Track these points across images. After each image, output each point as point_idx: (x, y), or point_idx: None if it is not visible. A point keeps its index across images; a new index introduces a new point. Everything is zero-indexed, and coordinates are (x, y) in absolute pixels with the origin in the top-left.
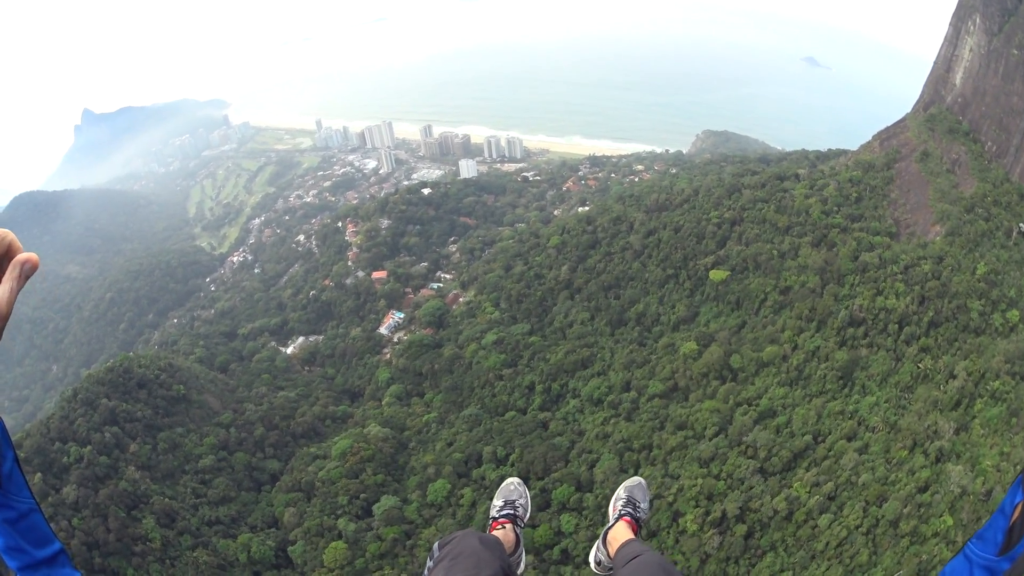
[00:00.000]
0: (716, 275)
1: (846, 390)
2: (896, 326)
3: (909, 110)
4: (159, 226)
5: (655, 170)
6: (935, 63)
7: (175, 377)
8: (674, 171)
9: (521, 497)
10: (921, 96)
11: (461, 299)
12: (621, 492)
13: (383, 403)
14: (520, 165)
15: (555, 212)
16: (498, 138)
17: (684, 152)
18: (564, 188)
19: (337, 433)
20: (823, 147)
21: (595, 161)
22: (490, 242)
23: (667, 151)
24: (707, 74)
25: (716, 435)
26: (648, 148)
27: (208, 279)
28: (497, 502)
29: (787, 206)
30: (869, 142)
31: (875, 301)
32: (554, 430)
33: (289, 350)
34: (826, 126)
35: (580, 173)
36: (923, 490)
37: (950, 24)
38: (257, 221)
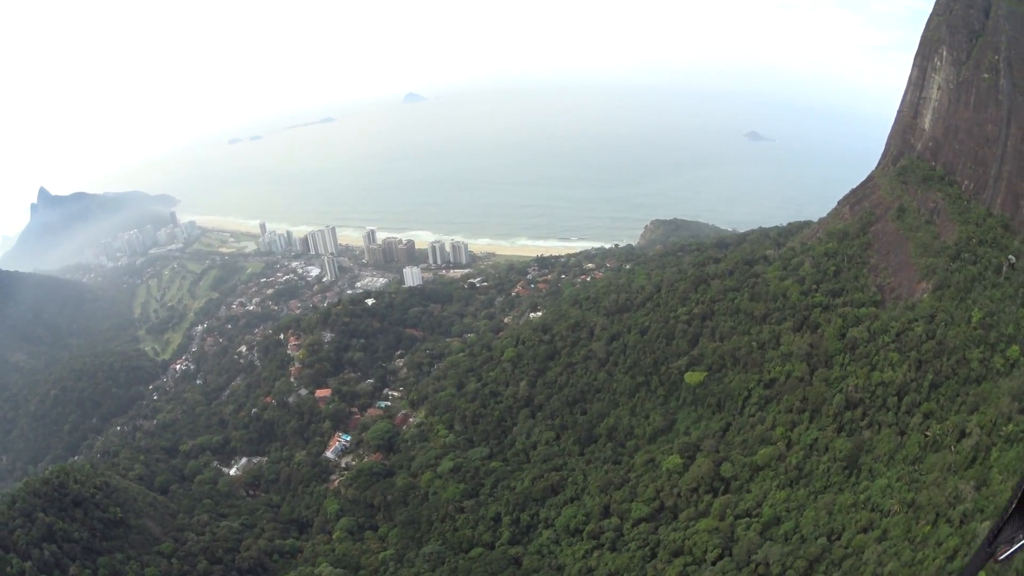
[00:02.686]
0: (692, 377)
1: (853, 478)
2: (896, 398)
3: (874, 167)
4: (105, 324)
5: (607, 267)
6: (900, 112)
7: (111, 498)
8: (628, 266)
9: None
10: (887, 150)
11: (411, 420)
12: None
13: (334, 537)
14: (466, 271)
15: (505, 320)
16: (443, 243)
17: (635, 245)
18: (513, 293)
19: (286, 570)
20: (775, 221)
21: (543, 263)
22: (439, 355)
23: (616, 245)
24: (651, 161)
25: (720, 558)
26: (596, 244)
27: (151, 386)
28: None
29: (761, 292)
30: (837, 209)
31: (870, 378)
32: (529, 567)
33: (232, 471)
34: (777, 200)
35: (529, 276)
36: (952, 558)
37: (913, 66)
38: (200, 328)
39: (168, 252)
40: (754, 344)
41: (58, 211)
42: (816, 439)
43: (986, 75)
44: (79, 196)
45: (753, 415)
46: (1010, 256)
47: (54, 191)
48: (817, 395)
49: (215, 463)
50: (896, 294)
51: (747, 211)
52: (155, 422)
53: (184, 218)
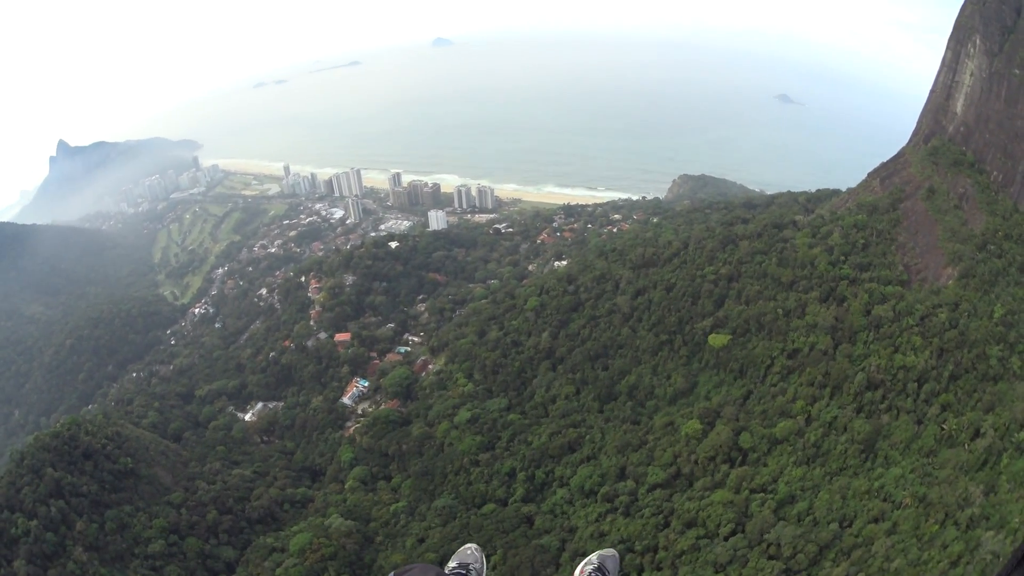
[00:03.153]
0: (716, 340)
1: (868, 463)
2: (915, 384)
3: (902, 143)
4: (124, 270)
5: (634, 219)
6: (932, 91)
7: (123, 448)
8: (655, 220)
9: (477, 563)
10: (919, 127)
11: (430, 367)
12: (594, 558)
13: (346, 487)
14: (492, 216)
15: (530, 267)
16: (469, 187)
17: (662, 199)
18: (538, 240)
19: (296, 520)
20: (803, 187)
21: (570, 211)
22: (461, 301)
23: (644, 198)
24: (681, 117)
25: (732, 533)
26: (624, 196)
27: (169, 331)
28: (452, 563)
29: (790, 258)
30: (867, 181)
31: (893, 360)
32: (540, 526)
33: (247, 416)
34: (804, 165)
35: (555, 224)
36: (955, 564)
37: (947, 48)
38: (220, 271)
39: (190, 196)
40: (779, 311)
41: (78, 161)
42: (836, 417)
43: (1017, 71)
44: (99, 145)
45: (775, 384)
46: None
47: (74, 142)
48: (839, 371)
49: (230, 408)
50: (922, 276)
51: (775, 173)
52: (172, 367)
53: (207, 162)
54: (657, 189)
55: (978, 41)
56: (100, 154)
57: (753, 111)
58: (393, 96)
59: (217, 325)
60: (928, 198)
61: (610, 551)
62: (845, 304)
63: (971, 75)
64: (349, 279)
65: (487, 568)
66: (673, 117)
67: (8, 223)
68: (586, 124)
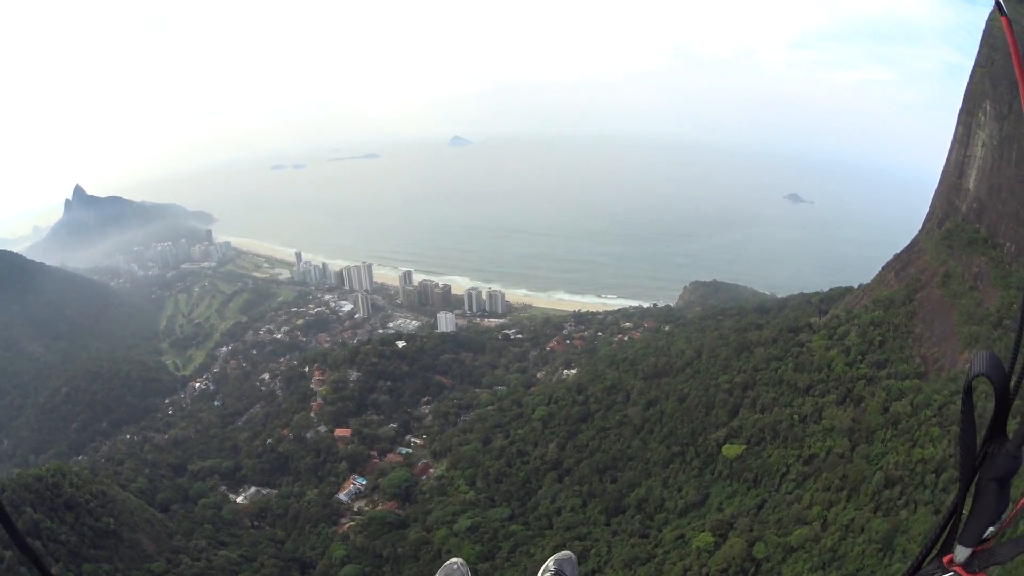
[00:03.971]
0: (730, 451)
1: (886, 559)
2: (934, 475)
3: (916, 231)
4: (128, 331)
5: (645, 327)
6: (945, 171)
7: (107, 508)
8: (667, 328)
9: None
10: (932, 213)
11: (432, 471)
12: (551, 564)
13: None
14: (501, 321)
15: (538, 375)
16: (479, 291)
17: (673, 306)
18: (548, 348)
19: None
20: (815, 287)
21: (580, 319)
22: (467, 406)
23: (655, 305)
24: (692, 220)
25: None
26: (635, 303)
27: (167, 400)
28: None
29: (806, 362)
30: (882, 275)
31: (911, 454)
32: None
33: (240, 499)
34: (816, 264)
35: (565, 331)
36: None
37: (958, 123)
38: (224, 350)
39: (200, 269)
40: (796, 417)
41: (92, 211)
42: (853, 519)
43: None
44: (115, 200)
45: (790, 492)
46: None
47: (90, 190)
48: (857, 473)
49: (223, 488)
50: (939, 365)
51: (786, 275)
52: (167, 437)
53: (220, 237)
54: (668, 296)
55: (988, 106)
56: (115, 208)
57: (764, 212)
58: (408, 192)
59: (216, 403)
60: (944, 284)
61: (566, 553)
62: (863, 404)
63: (982, 146)
64: (353, 374)
65: None
66: (684, 221)
67: (19, 255)
68: (596, 229)
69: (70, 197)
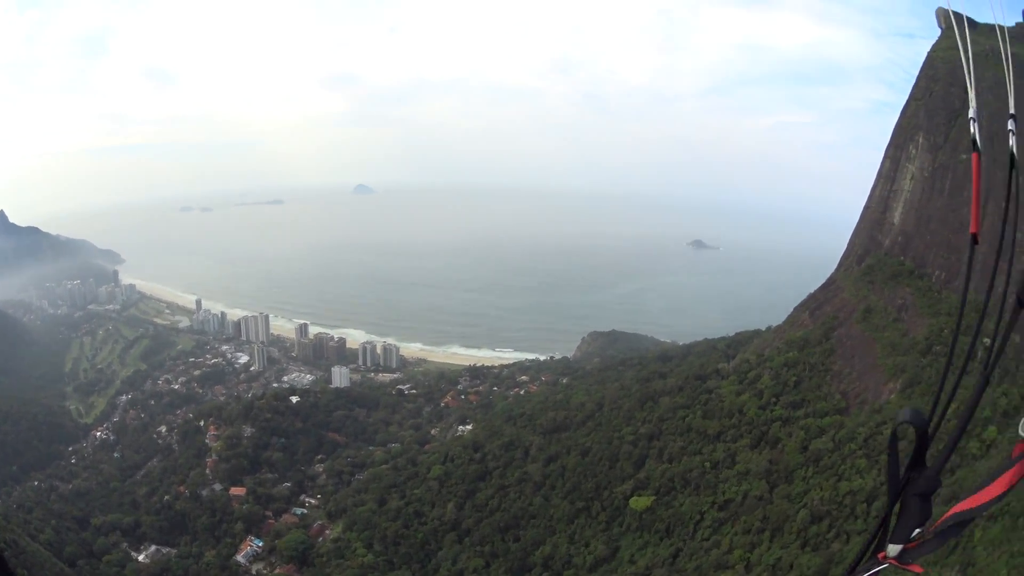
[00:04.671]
0: (638, 503)
1: None
2: (865, 504)
3: (832, 270)
4: (37, 370)
5: (543, 380)
6: (866, 208)
7: (19, 559)
8: (565, 381)
9: None
10: (850, 250)
11: (327, 532)
12: None
13: None
14: (396, 375)
15: (432, 431)
16: (374, 344)
17: (571, 358)
18: (442, 403)
19: None
20: (720, 333)
21: (475, 373)
22: (361, 465)
23: (552, 358)
24: (592, 271)
25: None
26: (531, 356)
27: (71, 447)
28: None
29: (715, 408)
30: (795, 315)
31: (837, 488)
32: None
33: (141, 557)
34: (721, 310)
35: (459, 387)
36: None
37: (885, 159)
38: (124, 398)
39: (105, 311)
40: (707, 464)
41: (12, 240)
42: (779, 558)
43: (964, 156)
44: (33, 231)
45: (707, 539)
46: (985, 339)
47: (12, 218)
48: (779, 512)
49: (124, 545)
50: (861, 399)
51: (690, 322)
52: (71, 487)
53: (126, 279)
54: (565, 348)
55: (920, 139)
56: (32, 239)
57: (666, 261)
58: (309, 240)
59: (116, 454)
60: (864, 319)
61: None
62: (779, 446)
63: (911, 179)
64: (248, 430)
65: None
66: (585, 272)
67: None
68: (493, 280)
69: None
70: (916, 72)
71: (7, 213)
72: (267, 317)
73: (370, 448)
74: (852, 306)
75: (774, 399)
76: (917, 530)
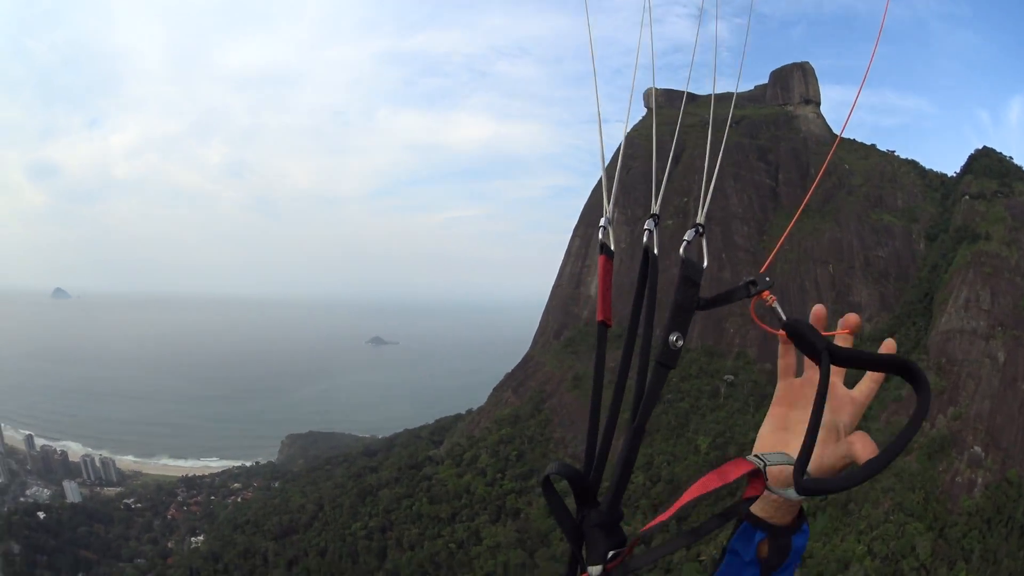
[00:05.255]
0: None
1: None
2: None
3: (527, 350)
4: None
5: (255, 486)
6: (557, 286)
7: None
8: (277, 484)
9: None
10: (544, 327)
11: None
12: None
13: None
14: (119, 489)
15: (169, 544)
16: (93, 457)
17: (275, 461)
18: (169, 516)
19: None
20: (416, 423)
21: (190, 483)
22: None
23: (257, 463)
24: (278, 375)
25: None
26: (237, 463)
27: None
28: None
29: (440, 493)
30: (496, 395)
31: None
32: None
33: None
34: (408, 401)
35: (179, 498)
36: None
37: (575, 237)
38: None
39: None
40: (452, 545)
41: None
42: None
43: (669, 221)
44: None
45: None
46: (727, 376)
47: None
48: (553, 571)
49: None
50: None
51: (382, 416)
52: None
53: None
54: (267, 452)
55: (616, 214)
56: None
57: (349, 358)
58: (12, 347)
59: None
60: (576, 386)
61: None
62: (522, 515)
63: None
64: (16, 548)
65: None
66: (270, 376)
67: None
68: (187, 391)
69: None
70: (607, 154)
71: None
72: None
73: (120, 564)
74: (559, 376)
75: (499, 475)
76: (612, 552)
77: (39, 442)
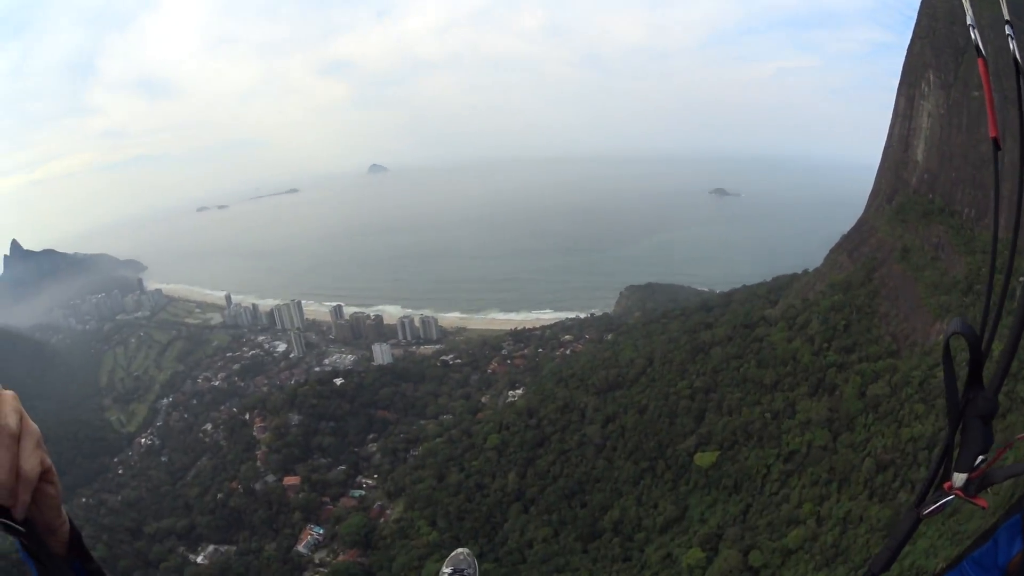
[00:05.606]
0: (703, 459)
1: None
2: (926, 452)
3: (861, 212)
4: (71, 389)
5: (587, 339)
6: (888, 147)
7: None
8: (610, 337)
9: (470, 567)
10: (877, 189)
11: (388, 513)
12: (446, 569)
13: None
14: (438, 347)
15: (483, 399)
16: (412, 318)
17: (611, 313)
18: (489, 370)
19: None
20: (755, 279)
21: (518, 336)
22: (414, 440)
23: (592, 315)
24: (617, 227)
25: None
26: (571, 315)
27: (116, 459)
28: (446, 568)
29: (769, 357)
30: (833, 257)
31: (899, 435)
32: None
33: (199, 559)
34: (750, 256)
35: (504, 352)
36: None
37: (899, 96)
38: (166, 402)
39: (135, 319)
40: (768, 415)
41: (31, 266)
42: (849, 511)
43: (976, 93)
44: (49, 253)
45: (776, 492)
46: (1021, 278)
47: (27, 244)
48: (844, 463)
49: (181, 549)
50: (911, 340)
51: (722, 270)
52: (120, 498)
53: (151, 285)
54: (604, 304)
55: (931, 76)
56: (50, 262)
57: (690, 210)
58: (331, 225)
59: (163, 459)
60: (903, 258)
61: (460, 552)
62: (837, 392)
63: (928, 116)
64: (295, 418)
65: (479, 573)
66: (609, 230)
67: None
68: (522, 247)
69: (8, 252)
70: (912, 13)
71: (20, 240)
72: (300, 303)
73: (421, 422)
74: (889, 245)
75: (826, 344)
76: (980, 457)
77: (348, 311)
